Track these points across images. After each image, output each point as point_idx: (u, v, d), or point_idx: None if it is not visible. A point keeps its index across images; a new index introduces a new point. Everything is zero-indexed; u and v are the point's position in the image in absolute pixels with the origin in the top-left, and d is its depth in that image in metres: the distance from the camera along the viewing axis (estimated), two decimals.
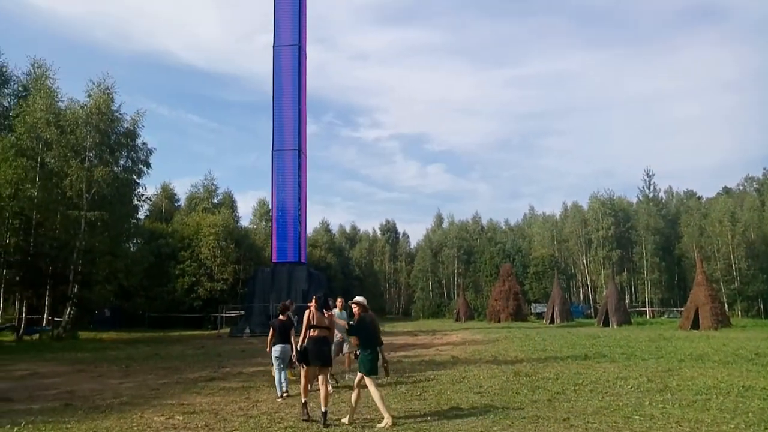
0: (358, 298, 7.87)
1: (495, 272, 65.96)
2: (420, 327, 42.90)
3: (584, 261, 72.28)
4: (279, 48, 40.38)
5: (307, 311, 7.83)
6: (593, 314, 58.26)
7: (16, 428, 7.41)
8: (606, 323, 39.39)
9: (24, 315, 30.63)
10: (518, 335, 27.50)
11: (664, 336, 25.42)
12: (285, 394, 9.67)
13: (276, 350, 9.92)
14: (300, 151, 40.77)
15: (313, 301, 7.95)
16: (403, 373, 12.84)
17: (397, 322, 60.13)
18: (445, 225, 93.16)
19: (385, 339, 8.66)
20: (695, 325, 32.61)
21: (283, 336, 9.94)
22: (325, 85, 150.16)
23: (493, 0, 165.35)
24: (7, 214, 28.49)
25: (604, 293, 48.00)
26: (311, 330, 7.67)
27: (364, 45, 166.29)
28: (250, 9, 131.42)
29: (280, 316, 10.24)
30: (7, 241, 28.76)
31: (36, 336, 30.00)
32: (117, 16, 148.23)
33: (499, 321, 50.56)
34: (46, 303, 32.72)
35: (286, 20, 40.37)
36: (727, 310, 42.78)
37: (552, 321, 46.54)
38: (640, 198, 75.95)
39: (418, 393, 9.80)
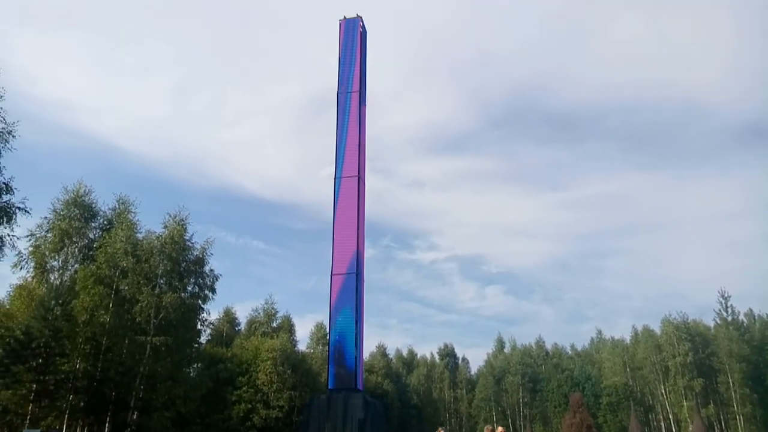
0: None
1: (564, 402, 61.43)
2: None
3: (662, 391, 66.23)
4: (340, 179, 42.83)
5: None
6: None
7: None
8: None
9: None
10: None
11: None
12: None
13: None
14: (358, 275, 41.37)
15: None
16: None
17: None
18: (507, 349, 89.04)
19: None
20: None
21: None
22: (383, 211, 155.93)
23: (541, 128, 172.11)
24: (80, 340, 29.85)
25: (690, 429, 43.28)
26: None
27: (420, 173, 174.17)
28: (313, 145, 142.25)
29: None
30: (77, 366, 29.79)
31: None
32: (195, 158, 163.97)
33: None
34: (106, 430, 32.80)
35: (347, 154, 43.20)
36: None
37: None
38: (718, 321, 70.53)
39: None
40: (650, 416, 68.69)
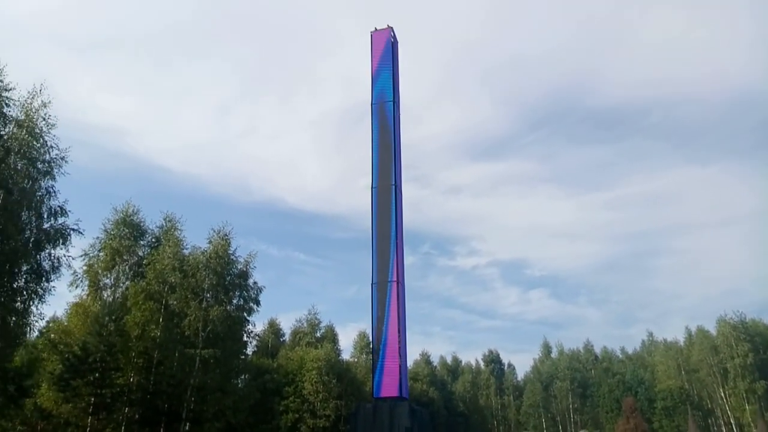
0: None
1: (616, 407, 59.76)
2: None
3: (722, 394, 63.43)
4: (376, 189, 43.09)
5: None
6: None
7: None
8: None
9: None
10: None
11: None
12: None
13: None
14: (398, 282, 41.38)
15: None
16: None
17: None
18: (554, 354, 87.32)
19: None
20: None
21: None
22: (421, 218, 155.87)
23: (580, 128, 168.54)
24: (133, 354, 31.00)
25: None
26: None
27: (458, 179, 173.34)
28: (350, 156, 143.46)
29: None
30: (131, 379, 30.93)
31: None
32: (238, 175, 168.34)
33: None
34: None
35: (383, 164, 43.47)
36: None
37: None
38: None
39: None
40: (710, 421, 65.90)
